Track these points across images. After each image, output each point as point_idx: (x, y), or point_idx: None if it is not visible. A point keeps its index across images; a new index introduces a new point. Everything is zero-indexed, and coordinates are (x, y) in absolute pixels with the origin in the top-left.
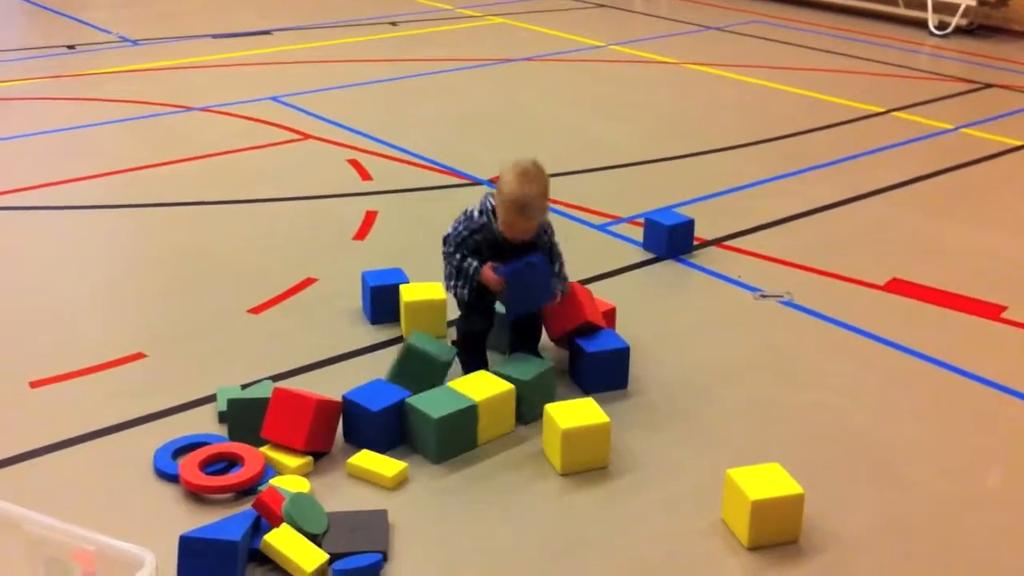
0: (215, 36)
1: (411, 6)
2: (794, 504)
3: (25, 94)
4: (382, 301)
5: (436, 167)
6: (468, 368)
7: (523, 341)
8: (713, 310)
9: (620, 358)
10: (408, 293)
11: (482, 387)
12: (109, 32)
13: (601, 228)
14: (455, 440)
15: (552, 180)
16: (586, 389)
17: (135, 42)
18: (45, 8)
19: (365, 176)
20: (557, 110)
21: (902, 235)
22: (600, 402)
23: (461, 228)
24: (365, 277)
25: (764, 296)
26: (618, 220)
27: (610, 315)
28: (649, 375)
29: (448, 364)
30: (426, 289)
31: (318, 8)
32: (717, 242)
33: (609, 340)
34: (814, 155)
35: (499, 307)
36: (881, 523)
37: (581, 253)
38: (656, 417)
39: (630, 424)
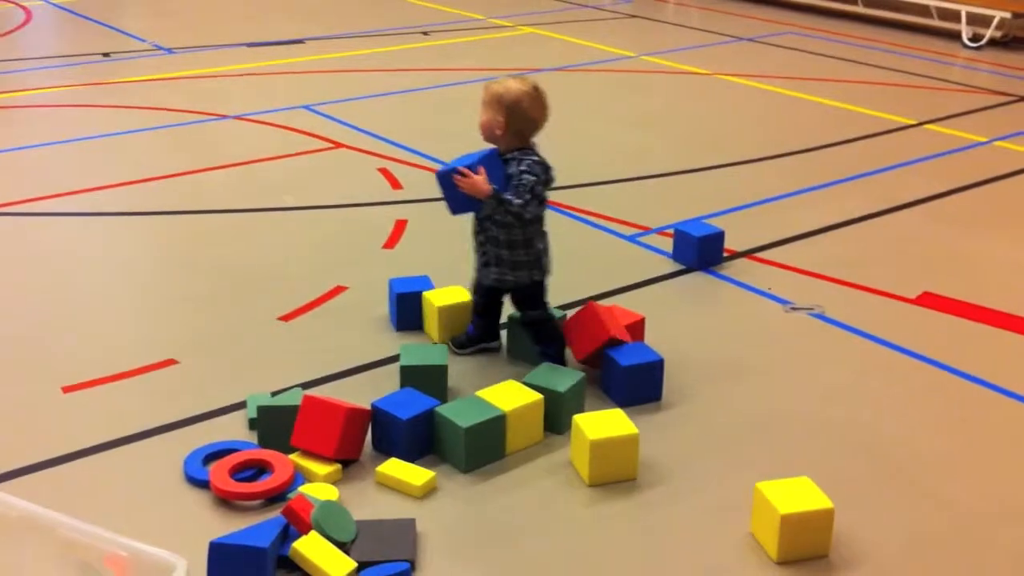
0: (249, 45)
1: (443, 16)
2: (824, 518)
3: (61, 101)
4: (408, 308)
5: None
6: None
7: (547, 354)
8: (743, 322)
9: (654, 370)
10: (436, 298)
11: (512, 397)
12: (144, 40)
13: (630, 239)
14: (484, 450)
15: (582, 190)
16: (619, 401)
17: (170, 50)
18: (81, 16)
19: (396, 185)
20: (587, 120)
21: (934, 248)
22: (629, 413)
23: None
24: (392, 284)
25: (794, 309)
26: (648, 231)
27: (638, 326)
28: (678, 387)
29: (444, 367)
30: (452, 293)
31: (351, 17)
32: (747, 254)
33: (643, 353)
34: (846, 167)
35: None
36: (912, 539)
37: (610, 263)
38: (685, 429)
39: (659, 436)
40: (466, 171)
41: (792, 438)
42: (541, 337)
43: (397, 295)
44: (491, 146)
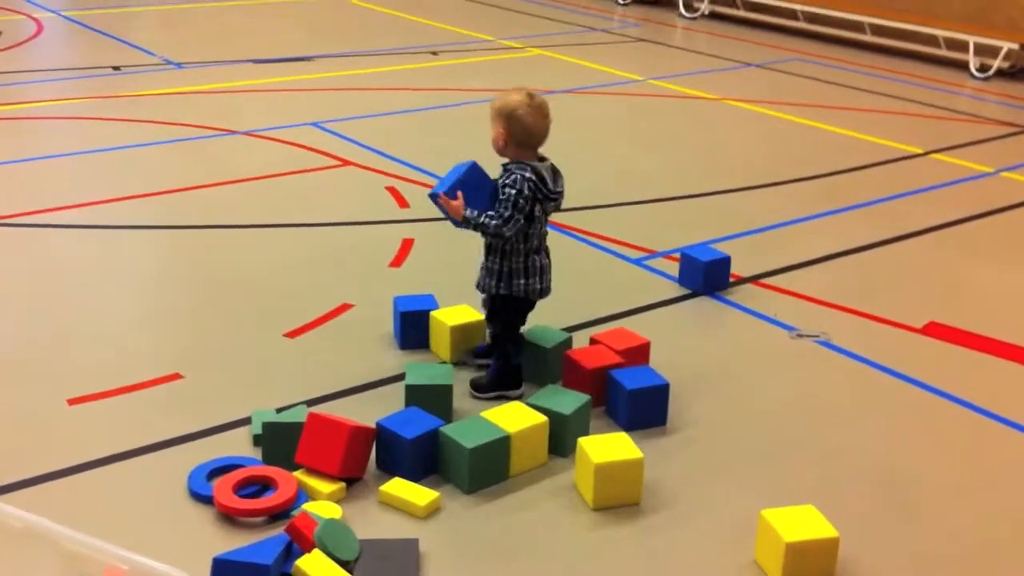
0: (257, 61)
1: (452, 36)
2: (829, 547)
3: (70, 113)
4: (412, 327)
5: None
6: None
7: (482, 375)
8: (748, 348)
9: (659, 395)
10: (447, 318)
11: (516, 419)
12: (154, 55)
13: (636, 262)
14: (487, 471)
15: (588, 213)
16: (624, 425)
17: (179, 65)
18: (92, 29)
19: (403, 203)
20: (595, 143)
21: (940, 278)
22: (633, 437)
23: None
24: (396, 302)
25: (800, 335)
26: (654, 254)
27: (643, 350)
28: (683, 412)
29: (449, 387)
30: (461, 312)
31: (360, 36)
32: (753, 279)
33: (648, 377)
34: (853, 194)
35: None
36: (916, 568)
37: (615, 287)
38: (689, 454)
39: (663, 460)
40: (443, 197)
41: (797, 465)
42: (493, 355)
43: (401, 313)
44: (470, 160)
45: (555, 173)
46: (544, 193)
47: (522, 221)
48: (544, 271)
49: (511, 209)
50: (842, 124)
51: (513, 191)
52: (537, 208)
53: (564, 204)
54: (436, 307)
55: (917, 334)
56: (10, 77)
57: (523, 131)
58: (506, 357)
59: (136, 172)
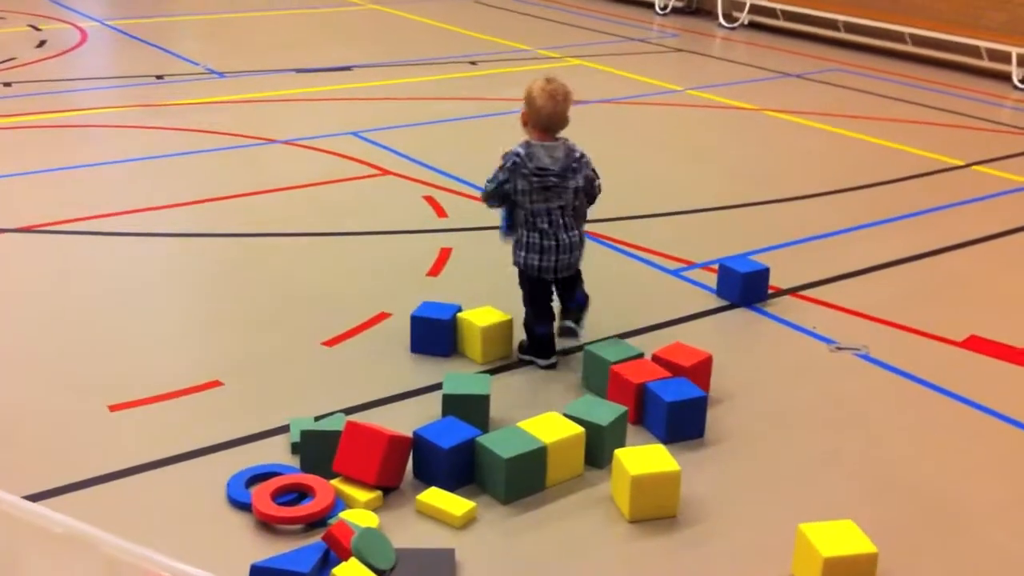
0: (299, 71)
1: (491, 46)
2: (867, 563)
3: (114, 121)
4: (424, 331)
5: None
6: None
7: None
8: (786, 360)
9: (697, 407)
10: (476, 318)
11: (553, 429)
12: (197, 64)
13: (674, 273)
14: (524, 481)
15: (626, 223)
16: (661, 437)
17: (222, 74)
18: (136, 39)
19: (441, 213)
20: (632, 153)
21: (982, 291)
22: (670, 449)
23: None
24: (421, 308)
25: (839, 348)
26: (692, 265)
27: (705, 365)
28: (720, 424)
29: (486, 396)
30: (487, 314)
31: (399, 46)
32: (792, 291)
33: (686, 389)
34: (892, 206)
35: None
36: None
37: (653, 297)
38: (727, 467)
39: (701, 473)
40: None
41: (835, 479)
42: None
43: (413, 317)
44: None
45: (568, 153)
46: (528, 169)
47: (497, 190)
48: (544, 251)
49: (491, 180)
50: (882, 135)
51: (497, 168)
52: (521, 183)
53: (600, 215)
54: (452, 314)
55: (958, 348)
56: (55, 85)
57: (535, 112)
58: (528, 327)
59: (178, 180)
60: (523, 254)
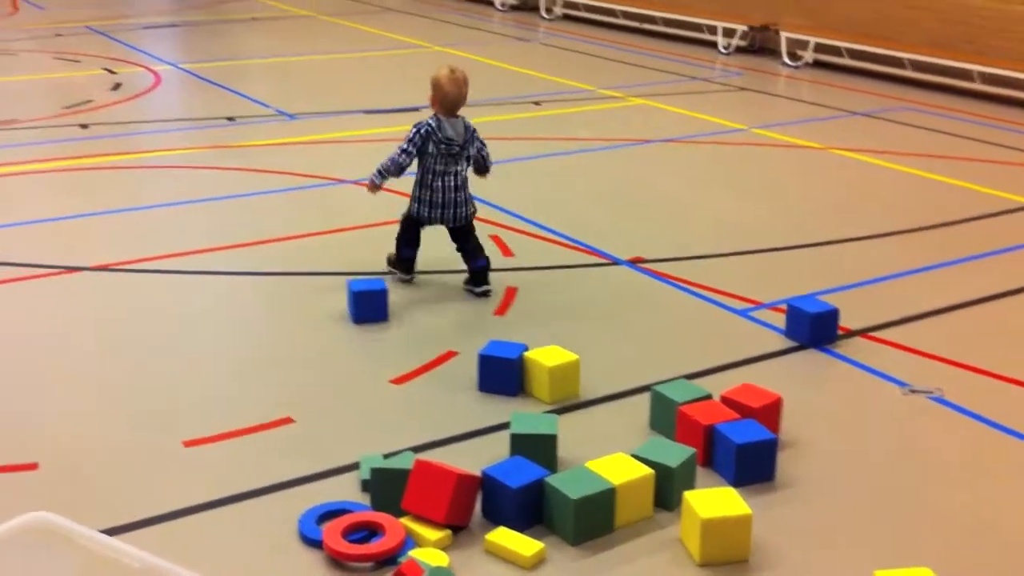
0: (367, 112)
1: (555, 87)
2: None
3: (187, 162)
4: (491, 370)
5: (576, 245)
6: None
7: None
8: (858, 403)
9: (768, 449)
10: (543, 358)
11: (621, 470)
12: (267, 106)
13: (742, 313)
14: (593, 523)
15: (692, 263)
16: (731, 480)
17: (292, 116)
18: (208, 81)
19: (507, 252)
20: (697, 192)
21: None
22: (740, 492)
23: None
24: (488, 347)
25: (912, 391)
26: (759, 306)
27: (773, 407)
28: (791, 467)
29: (554, 436)
30: (554, 354)
31: None
32: (862, 332)
33: (756, 431)
34: (965, 246)
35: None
36: None
37: (719, 338)
38: (799, 511)
39: (772, 517)
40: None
41: (910, 525)
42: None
43: (480, 355)
44: None
45: (466, 128)
46: (438, 138)
47: (410, 152)
48: (435, 205)
49: (404, 142)
50: (951, 174)
51: (411, 131)
52: (431, 147)
53: (666, 254)
54: (520, 353)
55: None
56: (129, 127)
57: (443, 96)
58: (398, 248)
59: (249, 220)
60: (416, 206)
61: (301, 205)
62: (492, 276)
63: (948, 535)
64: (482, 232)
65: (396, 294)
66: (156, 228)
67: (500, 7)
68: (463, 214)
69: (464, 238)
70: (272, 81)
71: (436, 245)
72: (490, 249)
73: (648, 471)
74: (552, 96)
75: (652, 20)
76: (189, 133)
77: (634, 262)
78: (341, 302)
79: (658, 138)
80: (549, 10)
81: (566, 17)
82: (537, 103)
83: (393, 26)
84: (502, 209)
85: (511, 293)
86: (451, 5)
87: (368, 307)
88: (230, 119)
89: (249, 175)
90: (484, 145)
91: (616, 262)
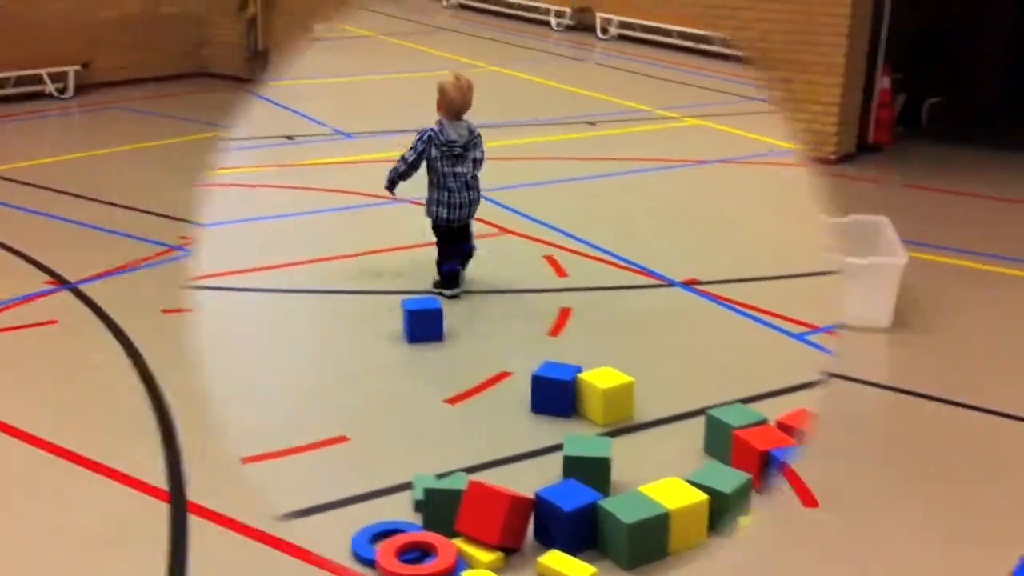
0: None
1: (610, 107)
2: None
3: (248, 181)
4: (545, 391)
5: (630, 266)
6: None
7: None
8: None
9: None
10: (597, 380)
11: (675, 495)
12: (325, 125)
13: (798, 337)
14: (646, 548)
15: (746, 285)
16: None
17: (349, 135)
18: (267, 100)
19: (560, 272)
20: (753, 213)
21: None
22: None
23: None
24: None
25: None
26: (815, 329)
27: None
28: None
29: (607, 459)
30: (608, 376)
31: (519, 107)
32: None
33: None
34: None
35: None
36: None
37: (774, 362)
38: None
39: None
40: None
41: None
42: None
43: (534, 376)
44: None
45: (469, 131)
46: (441, 141)
47: (418, 151)
48: (451, 207)
49: (412, 150)
50: None
51: (416, 136)
52: (435, 151)
53: (721, 276)
54: (573, 374)
55: None
56: None
57: (449, 102)
58: (439, 265)
59: (308, 238)
60: (435, 209)
61: (359, 223)
62: (546, 297)
63: None
64: (536, 253)
65: (451, 314)
66: (215, 245)
67: (556, 27)
68: (468, 214)
69: (461, 232)
70: (330, 100)
71: (488, 265)
72: (544, 270)
73: (702, 496)
74: (607, 116)
75: (708, 40)
76: (250, 152)
77: (689, 283)
78: (397, 321)
79: (712, 158)
80: (605, 30)
81: (622, 37)
82: (592, 123)
83: (450, 46)
84: (556, 229)
85: (565, 314)
86: (507, 25)
87: (422, 326)
88: (289, 138)
89: (308, 194)
90: (482, 153)
91: (671, 284)
